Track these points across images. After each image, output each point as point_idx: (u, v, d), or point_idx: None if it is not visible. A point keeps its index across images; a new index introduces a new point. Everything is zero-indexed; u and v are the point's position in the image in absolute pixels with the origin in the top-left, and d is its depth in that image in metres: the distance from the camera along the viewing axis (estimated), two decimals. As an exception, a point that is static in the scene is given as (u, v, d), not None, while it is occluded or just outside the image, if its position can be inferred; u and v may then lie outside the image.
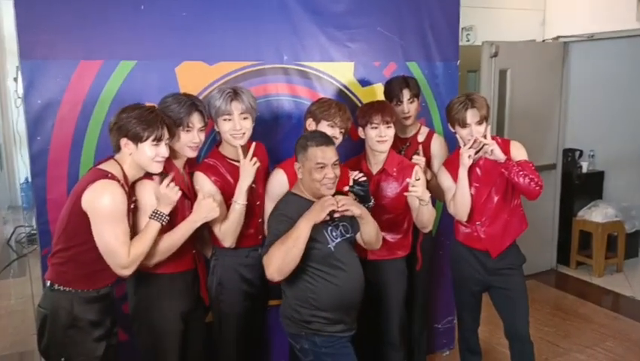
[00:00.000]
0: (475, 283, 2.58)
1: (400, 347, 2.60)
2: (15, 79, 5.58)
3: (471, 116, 2.39)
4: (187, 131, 2.09)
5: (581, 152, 5.01)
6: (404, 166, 2.48)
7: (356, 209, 2.07)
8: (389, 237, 2.51)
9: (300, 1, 2.68)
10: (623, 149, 5.13)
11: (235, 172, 2.23)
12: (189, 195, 2.13)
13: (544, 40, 4.71)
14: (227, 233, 2.20)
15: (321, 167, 2.06)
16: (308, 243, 1.99)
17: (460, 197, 2.45)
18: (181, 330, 2.17)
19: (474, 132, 2.40)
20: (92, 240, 1.86)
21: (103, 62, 2.33)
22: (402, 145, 2.73)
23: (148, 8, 2.38)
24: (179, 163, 2.16)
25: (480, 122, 2.40)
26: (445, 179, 2.54)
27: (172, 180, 2.00)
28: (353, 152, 2.69)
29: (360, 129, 2.48)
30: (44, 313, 1.92)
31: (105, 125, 2.29)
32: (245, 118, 2.22)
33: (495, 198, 2.49)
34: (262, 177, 2.35)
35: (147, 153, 1.92)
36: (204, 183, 2.19)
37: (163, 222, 1.96)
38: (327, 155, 2.07)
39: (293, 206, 2.09)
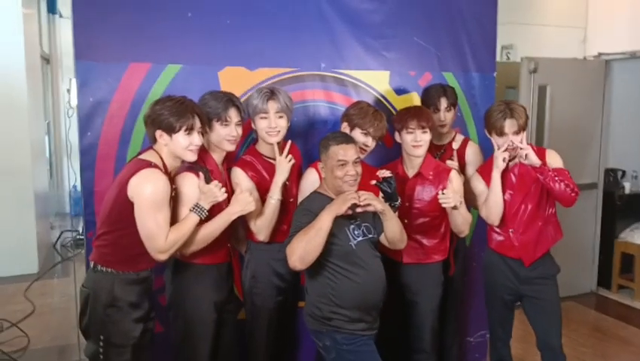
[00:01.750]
0: (507, 291, 2.55)
1: (431, 355, 2.58)
2: (68, 90, 5.92)
3: (509, 125, 2.40)
4: (225, 125, 2.19)
5: (624, 172, 4.89)
6: (440, 170, 2.50)
7: (378, 204, 2.12)
8: (425, 241, 2.52)
9: (338, 12, 2.77)
10: (668, 170, 4.99)
11: (270, 169, 2.33)
12: (227, 190, 2.21)
13: (584, 58, 4.66)
14: (262, 227, 2.28)
15: (342, 164, 2.13)
16: (329, 239, 2.06)
17: (493, 200, 2.45)
18: (214, 320, 2.24)
19: (509, 141, 2.41)
20: (134, 225, 1.96)
21: (151, 65, 2.47)
22: (437, 152, 2.75)
23: (195, 16, 2.52)
24: (218, 158, 2.26)
25: (517, 132, 2.41)
26: (478, 184, 2.55)
27: (218, 182, 2.11)
28: (387, 158, 2.74)
29: (396, 134, 2.53)
30: (87, 293, 2.02)
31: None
32: (280, 117, 2.31)
33: (530, 206, 2.48)
34: (295, 176, 2.43)
35: (181, 143, 2.01)
36: (241, 178, 2.29)
37: (202, 217, 2.05)
38: (348, 153, 2.14)
39: (316, 203, 2.16)
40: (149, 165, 1.97)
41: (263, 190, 2.31)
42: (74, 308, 3.79)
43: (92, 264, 2.05)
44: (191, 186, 2.11)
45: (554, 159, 2.48)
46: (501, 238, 2.54)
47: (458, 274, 2.81)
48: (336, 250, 2.11)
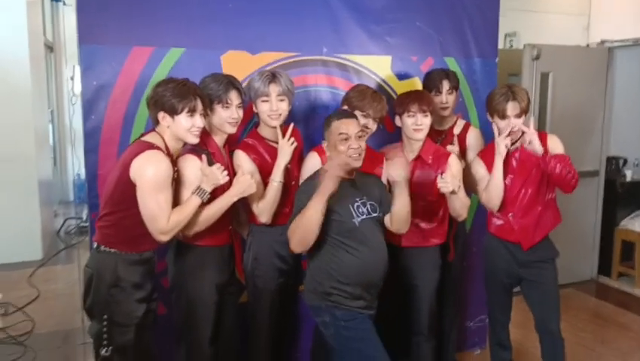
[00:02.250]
0: (506, 275, 2.58)
1: (429, 337, 2.61)
2: (72, 78, 5.94)
3: (512, 108, 2.41)
4: (226, 107, 2.21)
5: (625, 160, 4.89)
6: (440, 155, 2.52)
7: (401, 171, 2.17)
8: (424, 224, 2.54)
9: (340, -5, 2.78)
10: (670, 158, 4.99)
11: (272, 152, 2.35)
12: (228, 172, 2.23)
13: (587, 45, 4.65)
14: (264, 210, 2.31)
15: (345, 138, 2.13)
16: (332, 215, 2.08)
17: (494, 186, 2.47)
18: (215, 302, 2.27)
19: (512, 125, 2.42)
20: (136, 206, 1.98)
21: (154, 48, 2.48)
22: (438, 137, 2.76)
23: (198, -1, 2.53)
24: (219, 141, 2.28)
25: (519, 115, 2.42)
26: (479, 168, 2.56)
27: (220, 165, 2.13)
28: (388, 143, 2.75)
29: (397, 117, 2.54)
30: (90, 273, 2.05)
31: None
32: (281, 100, 2.33)
33: (530, 190, 2.49)
34: (297, 159, 2.45)
35: (184, 124, 2.04)
36: (243, 161, 2.31)
37: (204, 199, 2.08)
38: (350, 127, 2.14)
39: (319, 177, 2.14)
40: (151, 146, 1.99)
41: (265, 173, 2.33)
42: (78, 294, 3.85)
43: (95, 245, 2.08)
44: (193, 168, 2.13)
45: (555, 144, 2.49)
46: (500, 222, 2.56)
47: (457, 259, 2.83)
48: (339, 227, 2.13)
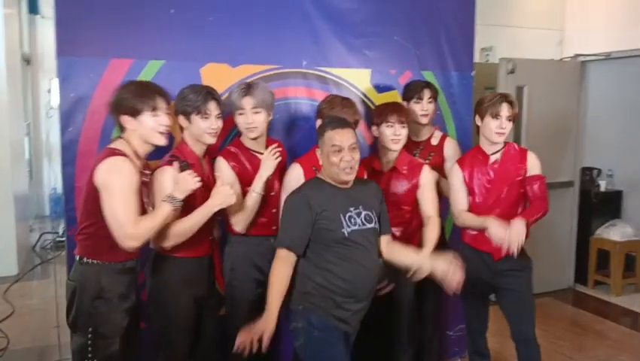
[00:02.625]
0: (481, 283, 2.60)
1: (408, 346, 2.62)
2: (49, 90, 5.87)
3: (506, 109, 2.47)
4: (205, 118, 2.21)
5: (599, 171, 5.01)
6: (414, 165, 2.56)
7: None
8: (398, 233, 2.55)
9: (320, 10, 2.81)
10: (642, 169, 5.12)
11: (253, 161, 2.37)
12: (208, 183, 2.24)
13: (561, 59, 4.77)
14: (241, 219, 2.32)
15: (338, 150, 2.08)
16: (321, 224, 2.07)
17: (470, 222, 2.54)
18: (194, 315, 2.25)
19: (504, 126, 2.47)
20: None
21: (133, 60, 2.48)
22: (416, 148, 2.80)
23: (178, 12, 2.54)
24: (199, 151, 2.28)
25: (510, 118, 2.48)
26: (456, 180, 2.57)
27: (193, 172, 2.10)
28: (366, 155, 2.79)
29: (374, 128, 2.57)
30: (73, 286, 2.02)
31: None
32: (256, 112, 2.34)
33: (504, 203, 2.52)
34: (278, 172, 2.45)
35: (149, 124, 2.01)
36: (223, 168, 2.32)
37: (175, 206, 2.02)
38: (344, 138, 2.09)
39: (315, 190, 2.14)
40: (114, 152, 1.97)
41: (244, 182, 2.35)
42: (53, 310, 3.79)
43: (77, 258, 2.05)
44: (171, 179, 2.11)
45: (533, 164, 2.54)
46: (474, 232, 2.59)
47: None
48: (327, 236, 2.09)
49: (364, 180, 2.35)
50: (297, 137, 2.80)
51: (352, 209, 2.14)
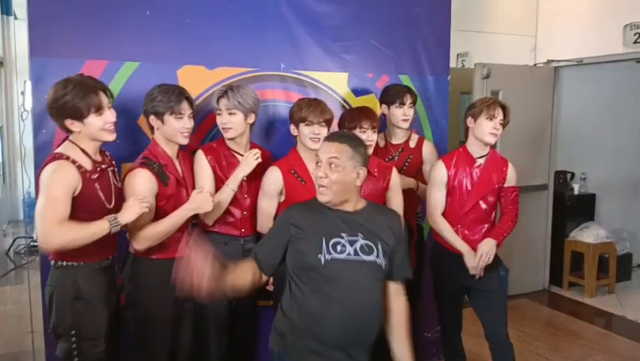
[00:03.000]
0: (453, 283, 2.64)
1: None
2: (22, 93, 5.77)
3: (501, 113, 2.55)
4: (179, 118, 2.20)
5: (573, 174, 5.11)
6: (384, 167, 2.59)
7: None
8: None
9: (298, 14, 2.83)
10: (614, 172, 5.25)
11: (231, 160, 2.39)
12: (182, 182, 2.25)
13: (535, 64, 4.87)
14: (212, 213, 2.30)
15: (317, 162, 1.85)
16: (295, 245, 1.80)
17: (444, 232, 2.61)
18: (173, 316, 2.23)
19: (497, 127, 2.53)
20: (77, 219, 1.91)
21: (108, 62, 2.46)
22: (395, 151, 2.83)
23: (153, 14, 2.53)
24: (171, 152, 2.26)
25: (503, 123, 2.56)
26: (439, 177, 2.59)
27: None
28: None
29: None
30: (51, 291, 1.99)
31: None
32: (231, 113, 2.35)
33: (482, 207, 2.58)
34: (258, 176, 2.44)
35: (96, 124, 1.96)
36: (200, 161, 2.34)
37: (112, 230, 1.94)
38: (324, 150, 1.83)
39: (307, 204, 1.93)
40: (53, 157, 1.94)
41: (219, 178, 2.36)
42: (27, 315, 3.71)
43: (52, 262, 2.02)
44: (144, 182, 2.11)
45: (512, 175, 2.63)
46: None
47: (417, 266, 2.88)
48: (297, 260, 1.80)
49: (384, 209, 2.14)
50: (274, 139, 2.81)
51: (343, 235, 1.80)
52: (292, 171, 2.41)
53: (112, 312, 2.07)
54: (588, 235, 4.79)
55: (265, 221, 2.41)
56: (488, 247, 2.51)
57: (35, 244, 5.74)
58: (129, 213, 1.97)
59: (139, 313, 2.20)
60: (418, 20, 3.15)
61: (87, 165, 1.98)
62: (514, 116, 4.46)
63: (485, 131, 2.53)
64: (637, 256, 5.29)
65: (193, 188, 2.28)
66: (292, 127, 2.46)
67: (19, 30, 6.88)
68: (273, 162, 2.51)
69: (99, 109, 1.96)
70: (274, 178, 2.40)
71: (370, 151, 2.54)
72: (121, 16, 2.47)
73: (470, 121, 2.59)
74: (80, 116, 1.93)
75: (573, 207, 5.01)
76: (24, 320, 3.89)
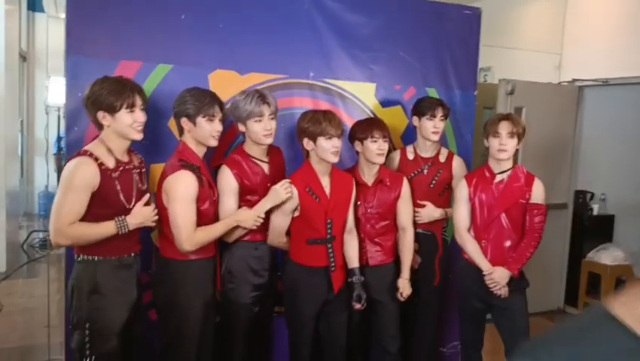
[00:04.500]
0: (478, 300, 2.64)
1: (397, 356, 2.66)
2: (46, 88, 5.85)
3: (503, 126, 2.55)
4: (211, 120, 2.22)
5: (592, 194, 5.06)
6: (395, 177, 2.67)
7: None
8: (384, 242, 2.65)
9: (329, 23, 2.85)
10: (634, 194, 5.17)
11: (256, 169, 2.40)
12: (213, 185, 2.30)
13: (559, 83, 4.84)
14: (237, 234, 2.35)
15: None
16: None
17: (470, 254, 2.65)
18: (203, 318, 2.25)
19: (504, 142, 2.52)
20: (93, 213, 1.98)
21: (142, 63, 2.48)
22: (424, 164, 2.84)
23: (188, 18, 2.55)
24: (200, 154, 2.29)
25: (511, 136, 2.54)
26: (461, 194, 2.66)
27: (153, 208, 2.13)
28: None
29: (357, 142, 2.59)
30: (72, 284, 2.04)
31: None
32: (272, 118, 2.38)
33: (505, 222, 2.57)
34: (279, 179, 2.45)
35: (125, 121, 2.03)
36: (226, 176, 2.34)
37: (121, 231, 2.02)
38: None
39: None
40: (78, 153, 2.00)
41: (246, 189, 2.37)
42: (41, 308, 3.75)
43: (75, 256, 2.07)
44: (187, 183, 2.14)
45: (539, 192, 2.60)
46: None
47: (442, 281, 2.88)
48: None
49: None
50: (300, 147, 2.80)
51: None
52: (307, 189, 2.40)
53: (131, 309, 2.09)
54: (606, 256, 4.73)
55: (276, 236, 2.43)
56: (500, 278, 2.53)
57: (49, 238, 5.82)
58: (137, 219, 2.04)
59: (171, 314, 2.22)
60: (447, 34, 3.15)
61: (110, 163, 2.03)
62: (536, 133, 4.51)
63: (494, 149, 2.56)
64: (654, 280, 5.23)
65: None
66: (306, 141, 2.39)
67: (43, 25, 7.00)
68: (289, 177, 2.50)
69: (130, 106, 2.02)
70: (292, 197, 2.40)
71: (382, 160, 2.57)
72: (156, 19, 2.50)
73: (485, 142, 2.64)
74: (112, 110, 2.00)
75: (591, 228, 4.96)
76: (38, 313, 3.93)
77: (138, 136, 2.08)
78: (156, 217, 2.12)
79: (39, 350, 3.44)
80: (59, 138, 5.96)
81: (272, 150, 2.50)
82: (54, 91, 5.21)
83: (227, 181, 2.33)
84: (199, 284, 2.23)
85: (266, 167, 2.44)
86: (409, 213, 2.68)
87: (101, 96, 1.99)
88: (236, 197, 2.35)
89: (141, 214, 2.06)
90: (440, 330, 3.24)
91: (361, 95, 2.96)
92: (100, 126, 2.05)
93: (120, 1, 2.44)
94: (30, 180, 7.66)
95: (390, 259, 2.67)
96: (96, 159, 1.99)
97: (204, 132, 2.23)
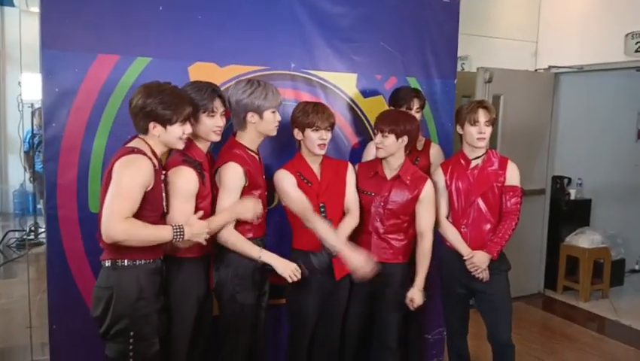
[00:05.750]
0: (460, 285, 2.67)
1: (395, 351, 2.65)
2: (19, 83, 5.69)
3: (482, 114, 2.57)
4: (211, 116, 2.19)
5: (569, 179, 5.17)
6: (417, 177, 2.58)
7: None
8: (394, 242, 2.59)
9: (309, 14, 2.82)
10: (610, 179, 5.32)
11: (254, 161, 2.35)
12: (209, 177, 2.25)
13: (536, 70, 4.90)
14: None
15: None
16: None
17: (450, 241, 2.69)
18: (195, 315, 2.23)
19: (482, 130, 2.55)
20: (142, 215, 1.92)
21: (120, 57, 2.43)
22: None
23: (166, 10, 2.50)
24: (204, 149, 2.26)
25: (488, 123, 2.57)
26: (439, 179, 2.67)
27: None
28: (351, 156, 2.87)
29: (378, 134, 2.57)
30: (109, 293, 1.94)
31: (119, 118, 2.42)
32: (274, 112, 2.36)
33: (482, 206, 2.62)
34: (264, 171, 2.44)
35: (176, 134, 2.02)
36: (237, 172, 2.26)
37: (176, 240, 1.98)
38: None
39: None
40: (132, 151, 1.95)
41: (252, 186, 2.32)
42: (21, 309, 3.68)
43: (108, 263, 1.98)
44: (188, 180, 2.11)
45: (513, 174, 2.64)
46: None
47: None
48: None
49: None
50: (283, 138, 2.77)
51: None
52: (298, 174, 2.45)
53: (164, 311, 2.09)
54: (583, 240, 4.85)
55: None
56: (480, 262, 2.56)
57: (30, 238, 5.70)
58: (193, 230, 2.00)
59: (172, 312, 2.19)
60: (427, 24, 3.15)
61: (157, 164, 2.01)
62: (514, 120, 4.57)
63: (472, 136, 2.58)
64: (630, 261, 5.36)
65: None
66: (296, 131, 2.47)
67: (15, 20, 6.78)
68: (281, 168, 2.51)
69: (184, 120, 2.02)
70: (292, 181, 2.43)
71: (383, 154, 2.54)
72: (134, 12, 2.44)
73: (459, 128, 2.65)
74: (166, 123, 1.99)
75: (569, 212, 5.07)
76: (16, 314, 3.87)
77: (182, 146, 2.08)
78: (207, 236, 2.09)
79: (21, 352, 3.37)
80: (32, 135, 5.81)
81: None
82: (28, 87, 5.07)
83: (238, 179, 2.26)
84: (189, 282, 2.19)
85: (257, 158, 2.41)
86: (429, 218, 2.58)
87: (157, 109, 1.96)
88: (238, 195, 2.28)
89: (196, 227, 2.02)
90: (424, 317, 3.27)
91: (342, 85, 2.95)
92: (145, 132, 2.02)
93: (95, -7, 2.38)
94: (4, 179, 7.47)
95: (399, 260, 2.59)
96: (150, 158, 1.96)
97: (205, 127, 2.20)
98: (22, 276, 4.49)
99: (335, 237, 2.34)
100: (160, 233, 1.95)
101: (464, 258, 2.59)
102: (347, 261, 2.32)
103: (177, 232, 1.97)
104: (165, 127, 2.00)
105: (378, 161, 2.64)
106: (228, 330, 2.37)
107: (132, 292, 1.95)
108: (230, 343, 2.38)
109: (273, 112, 2.33)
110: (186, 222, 2.01)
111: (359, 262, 2.31)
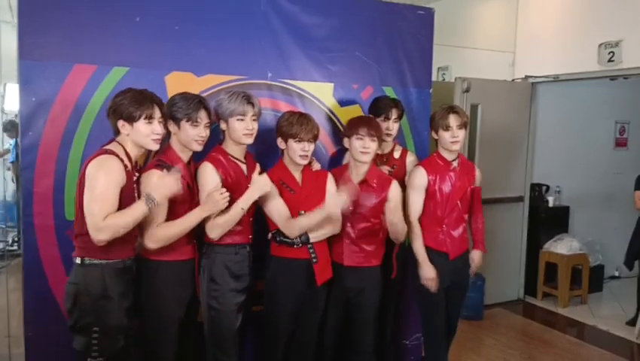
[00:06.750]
0: (442, 282, 2.73)
1: (372, 355, 2.69)
2: (1, 95, 5.71)
3: (454, 119, 2.66)
4: (195, 125, 2.25)
5: (548, 187, 5.25)
6: (383, 179, 2.64)
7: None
8: (365, 245, 2.63)
9: (285, 24, 2.88)
10: (588, 186, 5.42)
11: (235, 168, 2.41)
12: (193, 188, 2.30)
13: (513, 80, 5.00)
14: (219, 227, 2.31)
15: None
16: None
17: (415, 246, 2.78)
18: (179, 318, 2.28)
19: (456, 134, 2.65)
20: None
21: (97, 67, 2.47)
22: (379, 160, 2.89)
23: (143, 20, 2.54)
24: (185, 158, 2.32)
25: (460, 127, 2.67)
26: (419, 182, 2.70)
27: (180, 176, 2.14)
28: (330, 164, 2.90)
29: (345, 139, 2.65)
30: (76, 288, 2.04)
31: (95, 127, 2.45)
32: (254, 120, 2.42)
33: (462, 205, 2.76)
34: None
35: (142, 131, 2.08)
36: (209, 172, 2.34)
37: (150, 206, 2.04)
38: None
39: None
40: (104, 152, 2.04)
41: (227, 187, 2.34)
42: (2, 319, 3.65)
43: (78, 260, 2.07)
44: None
45: (478, 176, 2.89)
46: (434, 233, 2.74)
47: (398, 277, 2.93)
48: None
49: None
50: (260, 148, 2.82)
51: None
52: (281, 182, 2.49)
53: (129, 312, 2.13)
54: (562, 246, 4.92)
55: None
56: (480, 260, 2.88)
57: (10, 248, 5.66)
58: (162, 191, 2.05)
59: (147, 315, 2.24)
60: (402, 34, 3.23)
61: (128, 165, 2.09)
62: (492, 129, 4.65)
63: (447, 141, 2.68)
64: (609, 267, 5.45)
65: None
66: (280, 140, 2.52)
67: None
68: (266, 172, 2.54)
69: (148, 118, 2.08)
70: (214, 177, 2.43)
71: (367, 159, 2.59)
72: (110, 22, 2.48)
73: (433, 134, 2.75)
74: (131, 119, 2.07)
75: (547, 219, 5.15)
76: (-1, 324, 3.83)
77: (154, 147, 2.14)
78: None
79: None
80: (16, 145, 5.81)
81: (247, 155, 2.51)
82: (10, 98, 5.08)
83: (211, 178, 2.33)
84: (166, 285, 2.24)
85: (244, 168, 2.46)
86: (400, 218, 2.59)
87: (122, 105, 2.06)
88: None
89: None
90: (402, 323, 3.31)
91: (319, 94, 3.00)
92: (118, 133, 2.11)
93: (72, 5, 2.41)
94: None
95: (368, 263, 2.63)
96: (121, 160, 2.04)
97: (187, 136, 2.26)
98: (1, 287, 4.46)
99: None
100: (136, 211, 2.02)
101: (421, 264, 2.70)
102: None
103: (148, 200, 2.03)
104: (131, 124, 2.07)
105: (345, 166, 2.71)
106: (211, 337, 2.41)
107: (96, 289, 2.03)
108: (214, 348, 2.41)
109: (239, 120, 2.36)
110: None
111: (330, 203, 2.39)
